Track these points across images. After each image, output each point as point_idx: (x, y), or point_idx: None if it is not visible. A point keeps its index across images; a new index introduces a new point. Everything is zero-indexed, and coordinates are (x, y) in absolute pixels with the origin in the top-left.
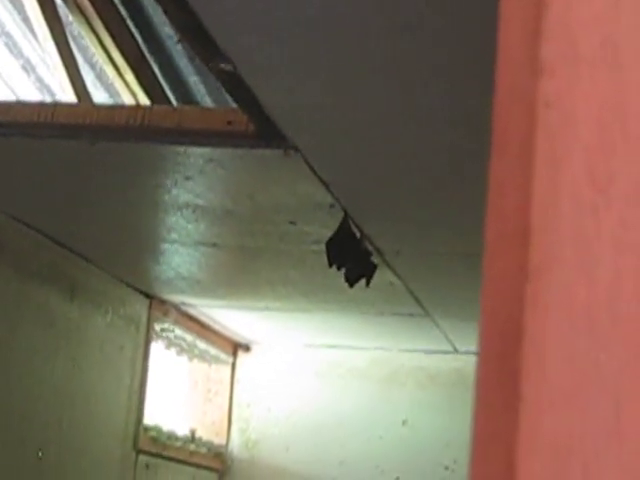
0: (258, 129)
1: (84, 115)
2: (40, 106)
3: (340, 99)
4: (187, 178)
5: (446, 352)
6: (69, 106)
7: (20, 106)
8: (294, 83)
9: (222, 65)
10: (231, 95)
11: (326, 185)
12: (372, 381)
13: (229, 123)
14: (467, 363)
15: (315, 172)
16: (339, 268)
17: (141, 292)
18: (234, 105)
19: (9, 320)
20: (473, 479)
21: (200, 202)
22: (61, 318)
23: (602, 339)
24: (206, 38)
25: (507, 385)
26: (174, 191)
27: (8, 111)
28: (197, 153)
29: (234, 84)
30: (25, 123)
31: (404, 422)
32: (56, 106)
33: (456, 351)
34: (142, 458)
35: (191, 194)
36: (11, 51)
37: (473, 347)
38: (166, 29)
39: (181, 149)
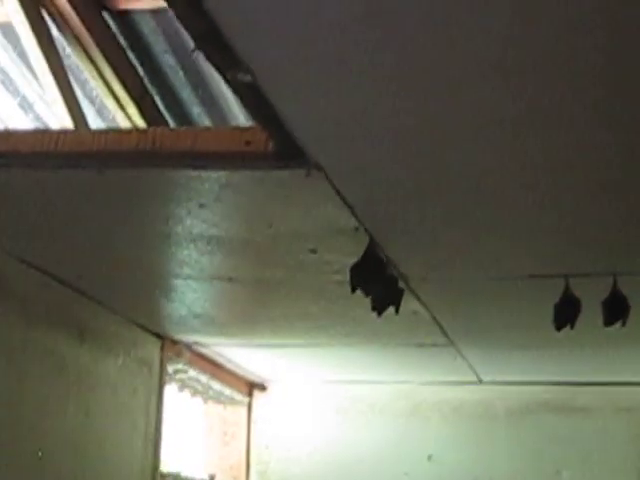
0: (278, 148)
1: (91, 142)
2: (43, 134)
3: (367, 114)
4: (201, 206)
5: (470, 383)
6: (75, 133)
7: (22, 134)
8: (318, 96)
9: (240, 76)
10: (249, 110)
11: (351, 208)
12: (395, 416)
13: (247, 143)
14: (492, 393)
15: (339, 193)
16: (367, 295)
17: (153, 333)
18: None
19: (17, 367)
20: None
21: (215, 232)
22: (71, 363)
23: None
24: (224, 46)
25: None
26: (188, 221)
27: (8, 140)
28: (213, 178)
29: (253, 97)
30: (27, 153)
31: (429, 457)
32: (60, 134)
33: (480, 382)
34: None
35: (206, 224)
36: (7, 89)
37: (498, 377)
38: (167, 58)
39: (195, 173)
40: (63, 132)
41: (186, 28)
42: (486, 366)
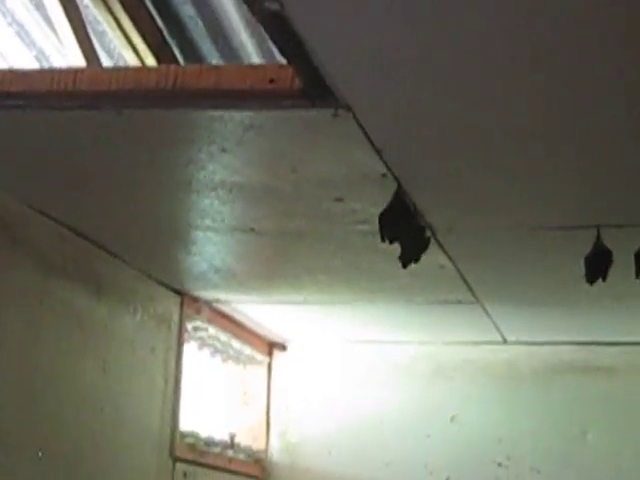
0: (305, 85)
1: (109, 80)
2: (60, 72)
3: (401, 52)
4: (224, 150)
5: (495, 343)
6: (92, 71)
7: (37, 73)
8: (349, 29)
9: (267, 4)
10: (275, 42)
11: (379, 152)
12: (417, 376)
13: (272, 81)
14: (517, 354)
15: (367, 136)
16: (392, 242)
17: (172, 289)
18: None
19: (32, 318)
20: None
21: (237, 179)
22: (88, 317)
23: None
24: None
25: None
26: (209, 167)
27: (23, 79)
28: (236, 119)
29: (280, 28)
30: (43, 92)
31: (452, 418)
32: (77, 72)
33: (505, 341)
34: (179, 466)
35: (227, 170)
36: (23, 41)
37: (523, 337)
38: (186, 8)
39: (218, 114)
40: (80, 70)
41: None
42: (511, 325)
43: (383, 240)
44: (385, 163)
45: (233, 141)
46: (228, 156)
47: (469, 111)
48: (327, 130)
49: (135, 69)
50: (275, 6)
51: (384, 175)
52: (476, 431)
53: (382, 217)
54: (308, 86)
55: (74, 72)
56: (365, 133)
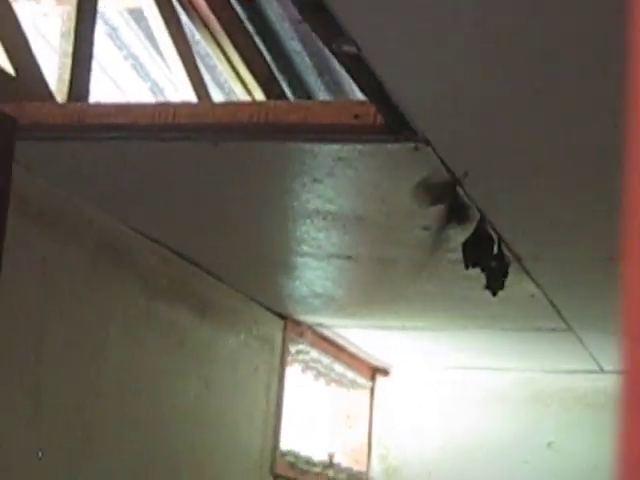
0: (386, 121)
1: (205, 114)
2: (160, 107)
3: (474, 87)
4: (315, 180)
5: (591, 372)
6: (191, 106)
7: (140, 108)
8: (423, 70)
9: (345, 47)
10: (356, 82)
11: (460, 182)
12: (515, 403)
13: (356, 117)
14: (614, 383)
15: (448, 168)
16: (481, 270)
17: (275, 312)
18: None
19: (137, 337)
20: None
21: (330, 208)
22: (192, 337)
23: None
24: (327, 16)
25: None
26: (303, 196)
27: (128, 113)
28: (325, 151)
29: (358, 69)
30: (145, 125)
31: (549, 445)
32: (177, 106)
33: (602, 370)
34: None
35: (321, 199)
36: (138, 73)
37: (620, 366)
38: (294, 44)
39: (308, 147)
40: (180, 105)
41: (292, 0)
42: (608, 354)
43: (467, 268)
44: (466, 192)
45: (324, 172)
46: (320, 186)
47: (548, 145)
48: (410, 163)
49: (230, 104)
50: (352, 49)
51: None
52: (573, 457)
53: (465, 246)
54: (389, 122)
55: (173, 106)
56: (445, 166)
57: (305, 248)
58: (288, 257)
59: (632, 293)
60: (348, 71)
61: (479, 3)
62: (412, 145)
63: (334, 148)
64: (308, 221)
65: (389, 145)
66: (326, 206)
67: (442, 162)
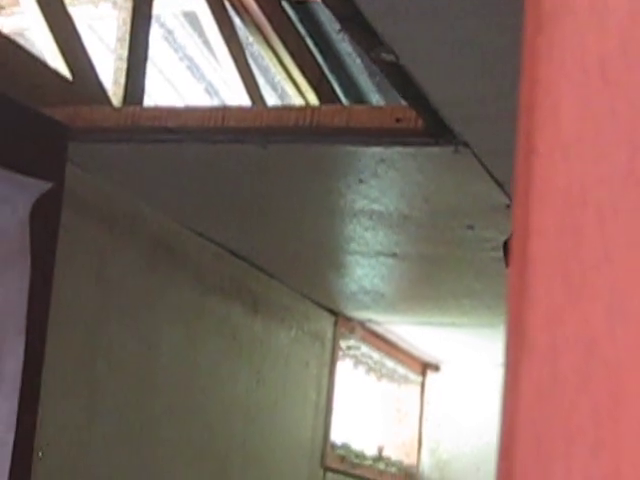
0: (427, 125)
1: (254, 118)
2: (210, 111)
3: (511, 87)
4: (360, 181)
5: None
6: (239, 110)
7: (190, 111)
8: (459, 72)
9: (384, 55)
10: (396, 88)
11: (500, 185)
12: None
13: (398, 120)
14: None
15: (488, 170)
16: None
17: (326, 308)
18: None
19: (191, 331)
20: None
21: (376, 207)
22: (244, 332)
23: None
24: (366, 26)
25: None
26: (349, 196)
27: (179, 117)
28: (368, 154)
29: (398, 76)
30: (196, 128)
31: None
32: (226, 110)
33: None
34: (330, 476)
35: (366, 199)
36: (194, 74)
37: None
38: (345, 46)
39: (352, 149)
40: (229, 108)
41: (332, 12)
42: None
43: (507, 266)
44: (508, 195)
45: (368, 173)
46: (365, 186)
47: None
48: (450, 164)
49: (277, 108)
50: (391, 57)
51: (508, 206)
52: None
53: (505, 245)
54: (429, 125)
55: (223, 110)
56: (485, 168)
57: (353, 246)
58: (337, 255)
59: None
60: (388, 77)
61: (517, 8)
62: (452, 148)
63: (377, 150)
64: (355, 220)
65: (429, 148)
66: (371, 206)
67: (482, 165)
